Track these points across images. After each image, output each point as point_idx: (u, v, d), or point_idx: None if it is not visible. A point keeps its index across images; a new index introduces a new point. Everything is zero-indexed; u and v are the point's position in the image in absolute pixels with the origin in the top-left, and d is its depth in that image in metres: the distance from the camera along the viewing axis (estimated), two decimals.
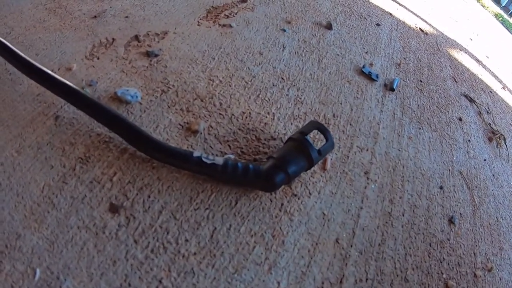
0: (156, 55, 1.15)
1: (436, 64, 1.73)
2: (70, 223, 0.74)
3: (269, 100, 1.06)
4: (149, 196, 0.78)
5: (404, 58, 1.61)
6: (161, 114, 0.95)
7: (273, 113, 1.03)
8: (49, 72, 0.91)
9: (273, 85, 1.12)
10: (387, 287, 0.83)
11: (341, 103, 1.16)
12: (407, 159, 1.14)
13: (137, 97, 0.99)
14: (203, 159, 0.77)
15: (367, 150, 1.08)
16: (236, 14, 1.41)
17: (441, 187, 1.14)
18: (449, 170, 1.22)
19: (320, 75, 1.23)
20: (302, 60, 1.26)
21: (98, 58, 1.14)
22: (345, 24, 1.60)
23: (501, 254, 1.07)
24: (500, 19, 4.38)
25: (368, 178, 1.00)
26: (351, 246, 0.84)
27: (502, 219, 1.19)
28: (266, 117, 1.01)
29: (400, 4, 2.15)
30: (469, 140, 1.41)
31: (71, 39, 1.20)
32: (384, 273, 0.84)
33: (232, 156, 0.86)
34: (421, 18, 2.11)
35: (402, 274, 0.86)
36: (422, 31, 1.98)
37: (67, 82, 0.90)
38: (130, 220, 0.74)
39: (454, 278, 0.93)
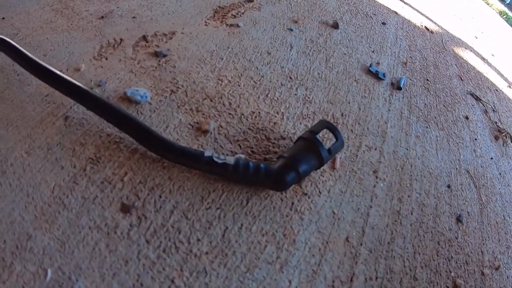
0: (165, 55, 1.15)
1: (442, 62, 1.73)
2: (82, 223, 0.74)
3: (278, 99, 1.07)
4: (160, 196, 0.78)
5: (410, 57, 1.61)
6: (170, 114, 0.96)
7: (282, 112, 1.03)
8: (58, 72, 0.92)
9: (282, 85, 1.12)
10: (396, 286, 0.83)
11: (349, 102, 1.17)
12: (414, 158, 1.15)
13: (146, 97, 1.00)
14: (214, 158, 0.77)
15: (375, 149, 1.08)
16: (243, 14, 1.41)
17: (448, 186, 1.14)
18: (456, 168, 1.23)
19: (327, 74, 1.24)
20: (309, 59, 1.27)
21: (106, 59, 1.15)
22: (351, 23, 1.60)
23: (508, 253, 1.08)
24: (504, 16, 4.36)
25: (377, 177, 1.01)
26: (361, 244, 0.85)
27: (509, 218, 1.19)
28: (275, 116, 1.02)
29: (405, 3, 2.15)
30: (475, 139, 1.41)
31: (78, 40, 1.20)
32: (393, 272, 0.85)
33: (242, 156, 0.87)
34: (426, 17, 2.11)
35: (411, 273, 0.87)
36: (428, 29, 1.97)
37: (77, 83, 0.91)
38: (142, 220, 0.75)
39: (462, 277, 0.93)
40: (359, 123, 1.12)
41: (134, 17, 1.35)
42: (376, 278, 0.82)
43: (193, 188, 0.80)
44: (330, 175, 0.94)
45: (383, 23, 1.75)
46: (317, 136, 0.85)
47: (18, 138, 0.86)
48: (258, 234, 0.76)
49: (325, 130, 0.93)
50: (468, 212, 1.10)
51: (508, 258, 1.06)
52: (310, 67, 1.23)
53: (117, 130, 0.90)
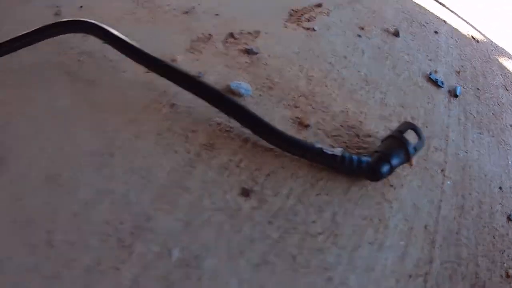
0: (256, 53, 1.27)
1: (489, 72, 1.84)
2: (204, 205, 0.81)
3: (360, 101, 1.20)
4: (276, 182, 0.91)
5: (462, 66, 1.72)
6: (272, 109, 1.08)
7: (365, 112, 1.16)
8: (170, 63, 1.00)
9: (361, 88, 1.25)
10: (464, 270, 0.97)
11: (416, 107, 1.29)
12: (472, 161, 1.27)
13: (248, 91, 1.11)
14: (324, 150, 0.91)
15: (441, 150, 1.21)
16: (315, 18, 1.53)
17: (500, 188, 1.27)
18: (506, 172, 1.35)
19: (396, 80, 1.36)
20: (380, 65, 1.39)
21: (200, 52, 1.25)
22: (408, 31, 1.71)
23: None
24: None
25: (444, 175, 1.14)
26: (437, 232, 0.99)
27: None
28: (360, 116, 1.15)
29: (451, 11, 2.24)
30: None
31: (166, 32, 1.26)
32: (461, 258, 0.98)
33: (342, 149, 1.00)
34: (471, 25, 2.21)
35: (474, 260, 1.01)
36: (474, 38, 2.08)
37: (189, 72, 1.00)
38: (263, 203, 0.86)
39: None
40: (426, 127, 1.25)
41: (217, 14, 1.45)
42: (448, 262, 0.96)
43: (304, 176, 0.93)
44: (409, 171, 1.07)
45: (436, 32, 1.86)
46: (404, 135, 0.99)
47: (123, 122, 0.92)
48: (359, 218, 0.90)
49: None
50: None
51: None
52: (382, 72, 1.36)
53: (226, 119, 1.00)
